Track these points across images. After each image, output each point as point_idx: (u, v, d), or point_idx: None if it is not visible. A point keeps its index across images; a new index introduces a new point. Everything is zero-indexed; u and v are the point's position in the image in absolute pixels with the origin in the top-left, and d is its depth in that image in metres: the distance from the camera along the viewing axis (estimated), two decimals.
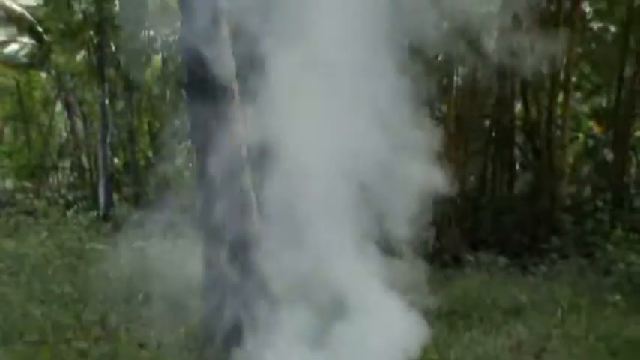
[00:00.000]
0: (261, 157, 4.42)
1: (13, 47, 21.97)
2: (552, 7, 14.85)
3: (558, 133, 15.09)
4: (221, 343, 4.41)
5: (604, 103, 18.25)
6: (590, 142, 17.55)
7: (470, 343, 8.60)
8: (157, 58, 21.12)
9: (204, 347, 5.06)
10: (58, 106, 23.43)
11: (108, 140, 18.90)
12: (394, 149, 4.39)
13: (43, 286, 9.35)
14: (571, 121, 16.20)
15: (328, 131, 4.25)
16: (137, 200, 18.10)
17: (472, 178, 17.50)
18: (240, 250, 5.11)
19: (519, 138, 17.45)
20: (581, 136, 18.24)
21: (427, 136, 4.58)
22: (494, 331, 9.10)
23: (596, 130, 17.88)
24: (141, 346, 7.69)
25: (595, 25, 16.57)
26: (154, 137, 21.15)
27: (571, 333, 8.58)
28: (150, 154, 21.03)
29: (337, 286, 4.21)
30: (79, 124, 22.66)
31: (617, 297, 9.96)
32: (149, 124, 21.36)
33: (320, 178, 4.19)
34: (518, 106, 17.10)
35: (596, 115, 18.04)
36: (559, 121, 15.09)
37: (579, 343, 8.18)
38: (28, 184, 15.42)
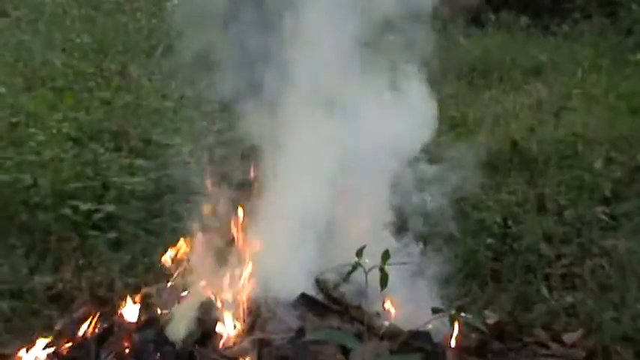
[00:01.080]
0: None
1: None
2: None
3: None
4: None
5: None
6: None
7: (489, 101, 8.63)
8: None
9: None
10: None
11: None
12: None
13: (62, 36, 9.29)
14: None
15: None
16: None
17: None
18: None
19: None
20: None
21: None
22: (514, 91, 9.11)
23: None
24: (163, 97, 7.73)
25: None
26: None
27: (591, 92, 8.56)
28: None
29: None
30: None
31: (639, 56, 9.83)
32: None
33: None
34: None
35: None
36: None
37: (599, 101, 8.18)
38: None
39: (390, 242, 3.75)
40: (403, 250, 3.89)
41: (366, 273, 2.39)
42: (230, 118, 4.47)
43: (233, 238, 3.73)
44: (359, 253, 2.45)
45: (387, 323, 3.38)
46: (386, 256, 2.41)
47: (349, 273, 2.46)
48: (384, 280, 2.37)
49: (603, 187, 5.78)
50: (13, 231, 4.99)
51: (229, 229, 3.75)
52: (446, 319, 2.67)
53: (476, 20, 12.91)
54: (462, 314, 2.44)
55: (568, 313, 4.16)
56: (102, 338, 3.51)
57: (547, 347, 3.47)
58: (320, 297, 3.53)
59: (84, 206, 5.23)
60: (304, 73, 3.69)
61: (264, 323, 3.39)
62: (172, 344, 3.27)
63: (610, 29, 11.67)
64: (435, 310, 2.40)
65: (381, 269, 2.38)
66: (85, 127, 6.54)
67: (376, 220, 3.88)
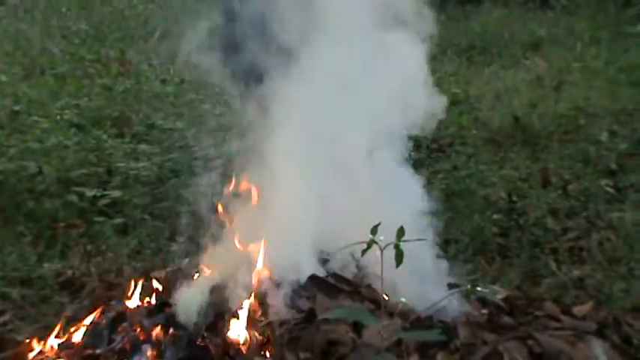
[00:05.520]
0: None
1: None
2: None
3: None
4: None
5: None
6: None
7: (490, 77, 8.62)
8: None
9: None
10: None
11: None
12: None
13: (59, 23, 9.27)
14: None
15: None
16: None
17: None
18: None
19: None
20: None
21: None
22: (514, 66, 9.09)
23: None
24: (163, 82, 7.73)
25: None
26: None
27: (591, 65, 8.54)
28: None
29: None
30: None
31: (639, 28, 9.77)
32: None
33: None
34: None
35: None
36: None
37: (599, 74, 8.15)
38: None
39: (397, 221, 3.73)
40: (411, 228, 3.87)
41: (381, 250, 2.38)
42: (230, 100, 4.45)
43: (241, 221, 3.72)
44: (373, 230, 2.44)
45: (402, 300, 3.37)
46: (401, 233, 2.40)
47: (365, 251, 2.45)
48: (399, 257, 2.37)
49: (608, 160, 5.79)
50: (20, 219, 4.99)
51: (237, 211, 3.74)
52: (453, 297, 2.66)
53: None
54: (478, 288, 2.44)
55: (576, 287, 4.16)
56: (113, 324, 3.50)
57: (558, 320, 3.45)
58: (330, 278, 3.52)
59: (89, 192, 5.24)
60: (303, 56, 3.66)
61: (274, 306, 3.39)
62: (184, 328, 3.26)
63: (608, 1, 11.61)
64: (451, 286, 2.40)
65: (396, 246, 2.38)
66: (87, 113, 6.53)
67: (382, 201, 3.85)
